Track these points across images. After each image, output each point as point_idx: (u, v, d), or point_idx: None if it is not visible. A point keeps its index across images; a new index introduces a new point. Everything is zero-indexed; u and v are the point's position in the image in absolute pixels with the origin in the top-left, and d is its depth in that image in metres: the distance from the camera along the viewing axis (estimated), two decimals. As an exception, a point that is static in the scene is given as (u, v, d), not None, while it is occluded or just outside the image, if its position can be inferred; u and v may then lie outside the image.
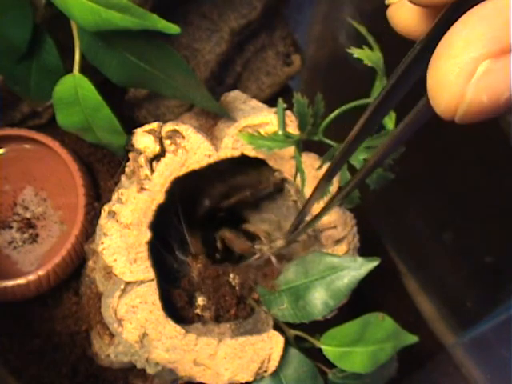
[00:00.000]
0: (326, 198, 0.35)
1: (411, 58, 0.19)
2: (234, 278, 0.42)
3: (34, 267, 0.46)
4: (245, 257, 0.47)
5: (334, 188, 0.40)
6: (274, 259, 0.42)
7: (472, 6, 0.17)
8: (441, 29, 0.17)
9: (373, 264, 0.38)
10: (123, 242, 0.37)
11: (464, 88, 0.16)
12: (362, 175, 0.25)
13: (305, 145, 0.39)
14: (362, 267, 0.38)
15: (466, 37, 0.16)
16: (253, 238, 0.48)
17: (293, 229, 0.37)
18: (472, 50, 0.16)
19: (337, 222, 0.42)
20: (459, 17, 0.17)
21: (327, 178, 0.29)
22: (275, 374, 0.39)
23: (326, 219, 0.41)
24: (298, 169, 0.38)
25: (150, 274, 0.38)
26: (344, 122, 0.34)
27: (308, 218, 0.36)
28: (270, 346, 0.38)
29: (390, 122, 0.36)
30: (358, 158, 0.37)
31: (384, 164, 0.37)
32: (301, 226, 0.36)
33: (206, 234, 0.46)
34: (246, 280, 0.42)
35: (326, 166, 0.37)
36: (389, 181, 0.37)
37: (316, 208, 0.37)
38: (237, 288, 0.42)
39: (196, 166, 0.39)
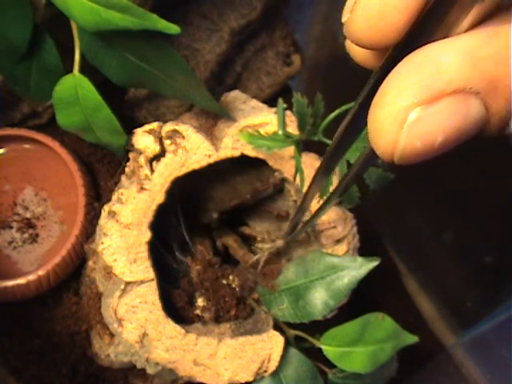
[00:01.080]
0: (323, 197, 0.35)
1: (366, 90, 0.20)
2: (233, 280, 0.42)
3: (34, 267, 0.46)
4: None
5: (333, 187, 0.40)
6: (262, 259, 0.42)
7: (414, 49, 0.17)
8: (386, 69, 0.18)
9: (373, 264, 0.38)
10: (123, 241, 0.37)
11: (397, 135, 0.17)
12: (356, 171, 0.25)
13: (305, 145, 0.39)
14: (362, 267, 0.38)
15: (398, 85, 0.17)
16: (249, 240, 0.48)
17: (291, 228, 0.37)
18: (403, 98, 0.17)
19: (337, 222, 0.41)
20: (403, 57, 0.17)
21: (323, 172, 0.29)
22: (275, 373, 0.39)
23: (325, 219, 0.41)
24: (298, 169, 0.38)
25: (150, 274, 0.38)
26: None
27: (306, 217, 0.36)
28: (270, 345, 0.38)
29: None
30: (357, 156, 0.37)
31: (384, 164, 0.37)
32: (299, 224, 0.36)
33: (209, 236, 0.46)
34: (246, 281, 0.42)
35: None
36: (389, 181, 0.37)
37: (315, 207, 0.37)
38: (237, 289, 0.42)
39: (196, 166, 0.39)
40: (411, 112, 0.16)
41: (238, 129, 0.40)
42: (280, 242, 0.41)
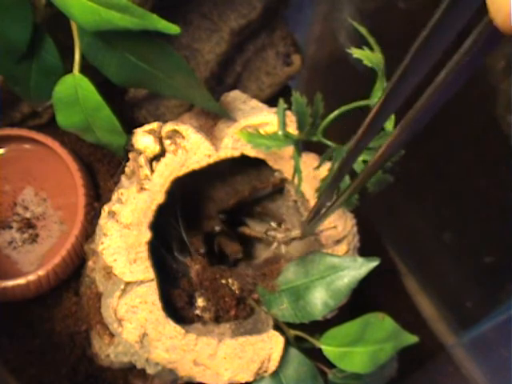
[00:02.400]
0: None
1: (412, 54, 0.18)
2: (232, 283, 0.42)
3: (34, 267, 0.46)
4: (241, 260, 0.47)
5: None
6: (283, 248, 0.42)
7: None
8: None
9: (373, 264, 0.38)
10: (123, 241, 0.37)
11: None
12: (364, 176, 0.24)
13: (305, 145, 0.39)
14: (362, 267, 0.38)
15: None
16: (249, 240, 0.48)
17: (313, 215, 0.35)
18: None
19: (337, 222, 0.41)
20: None
21: (333, 185, 0.28)
22: (275, 374, 0.39)
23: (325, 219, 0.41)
24: (296, 168, 0.38)
25: (150, 274, 0.38)
26: (343, 122, 0.34)
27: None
28: (270, 346, 0.38)
29: (389, 123, 0.36)
30: (358, 160, 0.37)
31: (384, 166, 0.37)
32: (321, 210, 0.34)
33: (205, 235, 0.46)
34: (245, 283, 0.42)
35: (325, 167, 0.37)
36: (388, 183, 0.37)
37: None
38: (236, 291, 0.42)
39: (196, 166, 0.39)
40: None
41: (238, 129, 0.40)
42: (297, 232, 0.40)
